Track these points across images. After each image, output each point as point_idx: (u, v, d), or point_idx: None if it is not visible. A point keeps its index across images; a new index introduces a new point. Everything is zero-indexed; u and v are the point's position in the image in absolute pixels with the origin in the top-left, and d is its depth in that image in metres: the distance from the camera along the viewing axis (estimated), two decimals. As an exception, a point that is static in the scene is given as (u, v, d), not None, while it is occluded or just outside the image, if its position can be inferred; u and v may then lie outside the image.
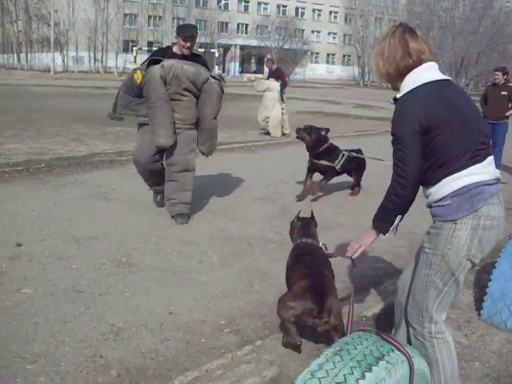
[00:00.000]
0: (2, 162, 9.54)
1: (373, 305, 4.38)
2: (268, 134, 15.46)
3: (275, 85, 15.10)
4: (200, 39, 69.18)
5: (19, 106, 19.61)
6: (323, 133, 7.95)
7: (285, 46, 69.98)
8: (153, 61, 6.33)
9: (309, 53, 77.85)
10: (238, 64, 76.80)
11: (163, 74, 6.20)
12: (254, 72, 72.75)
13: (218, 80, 6.60)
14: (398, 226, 2.89)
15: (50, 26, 60.58)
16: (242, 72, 75.01)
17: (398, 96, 2.83)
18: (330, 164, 7.92)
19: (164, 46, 64.09)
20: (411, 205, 2.82)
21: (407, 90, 2.78)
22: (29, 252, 5.31)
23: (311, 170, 8.06)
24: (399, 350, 2.33)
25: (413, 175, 2.71)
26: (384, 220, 2.88)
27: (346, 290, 4.77)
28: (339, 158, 7.97)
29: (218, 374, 3.31)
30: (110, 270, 5.01)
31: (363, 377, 2.06)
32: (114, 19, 64.54)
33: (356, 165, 8.36)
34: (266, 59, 17.09)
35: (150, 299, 4.41)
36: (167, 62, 6.25)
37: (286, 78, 16.26)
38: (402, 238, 6.26)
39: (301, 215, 4.37)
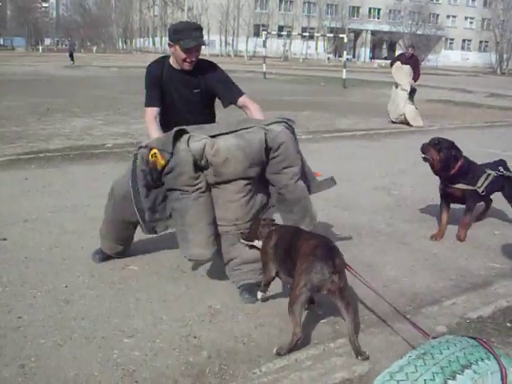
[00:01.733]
0: (127, 142, 10.10)
1: (479, 306, 4.11)
2: (394, 123, 14.99)
3: (407, 85, 14.55)
4: (330, 24, 68.95)
5: (150, 88, 20.37)
6: (453, 152, 5.62)
7: (418, 32, 68.05)
8: (178, 133, 3.99)
9: (443, 38, 75.27)
10: (368, 50, 75.69)
11: (192, 159, 3.94)
12: (385, 58, 71.33)
13: (282, 121, 4.22)
14: None
15: (183, 10, 62.63)
16: (372, 58, 73.87)
17: None
18: (469, 187, 5.68)
19: (285, 31, 63.63)
20: None
21: None
22: (139, 231, 5.47)
23: (445, 197, 5.91)
24: (494, 358, 2.15)
25: None
26: None
27: (454, 288, 4.54)
28: (483, 178, 5.71)
29: (307, 364, 3.25)
30: (214, 251, 5.07)
31: (445, 384, 1.92)
32: (245, 3, 65.67)
33: (503, 183, 5.97)
34: (408, 45, 16.63)
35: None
36: (195, 144, 3.92)
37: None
38: (524, 236, 5.88)
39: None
